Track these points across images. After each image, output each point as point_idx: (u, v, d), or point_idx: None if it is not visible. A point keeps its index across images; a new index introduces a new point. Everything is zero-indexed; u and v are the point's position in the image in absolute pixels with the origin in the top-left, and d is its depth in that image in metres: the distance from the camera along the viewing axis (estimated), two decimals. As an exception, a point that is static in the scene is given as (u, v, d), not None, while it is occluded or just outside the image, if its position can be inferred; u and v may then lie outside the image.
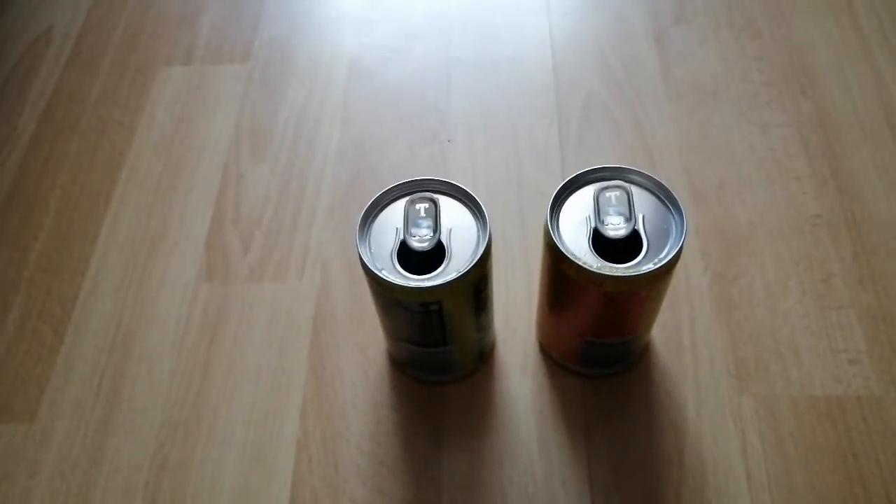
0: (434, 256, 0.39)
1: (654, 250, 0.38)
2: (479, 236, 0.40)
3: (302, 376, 0.50)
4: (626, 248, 0.38)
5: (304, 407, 0.48)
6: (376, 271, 0.38)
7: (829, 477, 0.44)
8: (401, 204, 0.41)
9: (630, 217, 0.39)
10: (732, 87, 0.62)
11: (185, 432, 0.48)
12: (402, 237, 0.39)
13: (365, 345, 0.51)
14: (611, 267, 0.37)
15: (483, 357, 0.49)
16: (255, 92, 0.66)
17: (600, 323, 0.42)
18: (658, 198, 0.40)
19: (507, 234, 0.55)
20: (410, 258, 0.39)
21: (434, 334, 0.42)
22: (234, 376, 0.50)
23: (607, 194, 0.39)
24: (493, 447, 0.46)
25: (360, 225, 0.40)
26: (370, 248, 0.39)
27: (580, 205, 0.40)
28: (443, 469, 0.46)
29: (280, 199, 0.58)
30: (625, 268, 0.37)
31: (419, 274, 0.38)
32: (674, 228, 0.39)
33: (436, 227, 0.39)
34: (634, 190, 0.40)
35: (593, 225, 0.39)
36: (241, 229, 0.57)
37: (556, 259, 0.39)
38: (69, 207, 0.59)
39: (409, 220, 0.40)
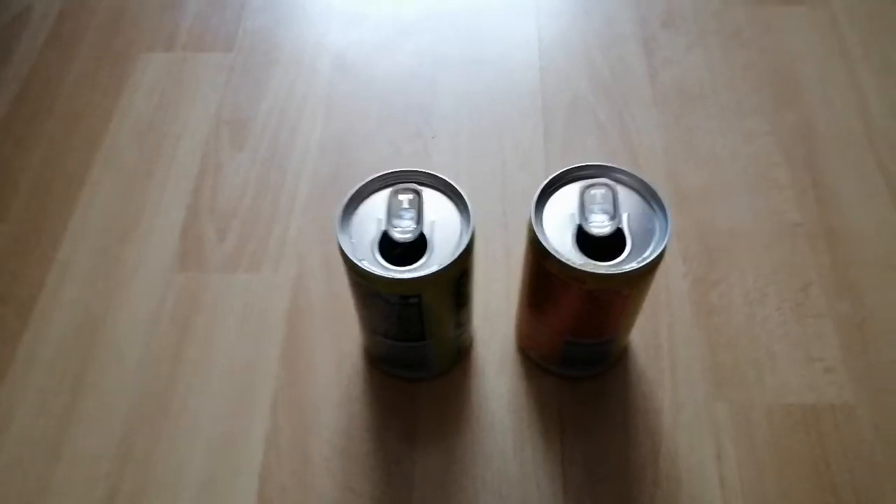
0: (415, 249, 0.38)
1: (638, 249, 0.38)
2: (462, 230, 0.39)
3: (274, 369, 0.49)
4: (609, 246, 0.38)
5: (275, 401, 0.47)
6: (356, 261, 0.37)
7: (801, 484, 0.44)
8: (383, 195, 0.40)
9: (614, 215, 0.38)
10: (718, 95, 0.62)
11: (151, 423, 0.47)
12: (383, 228, 0.39)
13: (339, 339, 0.50)
14: (594, 264, 0.37)
15: (460, 355, 0.48)
16: (236, 81, 0.65)
17: (581, 322, 0.42)
18: (643, 197, 0.40)
19: (488, 233, 0.55)
20: (391, 250, 0.39)
21: (412, 328, 0.41)
22: (205, 368, 0.49)
23: (592, 192, 0.39)
24: (467, 446, 0.46)
25: (341, 214, 0.39)
26: (351, 238, 0.39)
27: (565, 202, 0.40)
28: (415, 467, 0.45)
29: (258, 191, 0.57)
30: (608, 266, 0.37)
31: (400, 266, 0.38)
32: (658, 228, 0.38)
33: (418, 219, 0.39)
34: (619, 189, 0.40)
35: (577, 222, 0.38)
36: (218, 219, 0.56)
37: (538, 255, 0.38)
38: (41, 190, 0.58)
39: (391, 211, 0.39)
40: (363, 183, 0.40)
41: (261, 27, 0.69)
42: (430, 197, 0.40)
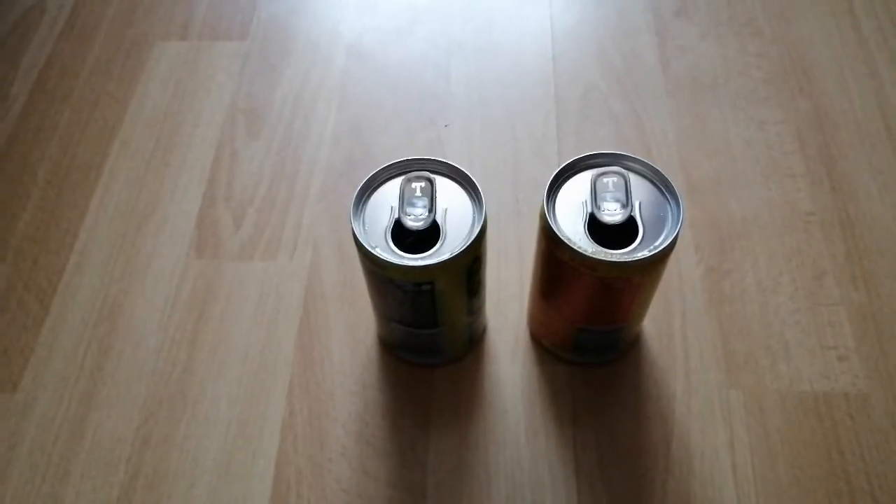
0: (428, 237, 0.39)
1: (650, 237, 0.38)
2: (474, 217, 0.39)
3: (290, 355, 0.49)
4: (621, 234, 0.38)
5: (292, 386, 0.48)
6: (370, 248, 0.38)
7: (813, 471, 0.44)
8: (396, 182, 0.40)
9: (627, 203, 0.38)
10: (731, 83, 0.62)
11: (169, 408, 0.47)
12: (396, 216, 0.39)
13: (354, 326, 0.50)
14: (606, 252, 0.37)
15: (473, 341, 0.49)
16: (251, 70, 0.65)
17: (593, 310, 0.42)
18: (655, 185, 0.40)
19: (501, 221, 0.55)
20: (405, 237, 0.39)
21: (425, 315, 0.42)
22: (221, 353, 0.49)
23: (604, 180, 0.39)
24: (481, 432, 0.46)
25: (354, 201, 0.39)
26: (364, 226, 0.39)
27: (577, 190, 0.40)
28: (429, 452, 0.45)
29: (274, 178, 0.58)
30: (620, 254, 0.37)
31: (413, 254, 0.38)
32: (670, 217, 0.39)
33: (431, 207, 0.39)
34: (632, 177, 0.40)
35: (589, 210, 0.38)
36: (233, 206, 0.56)
37: (551, 243, 0.39)
38: (58, 178, 0.58)
39: (404, 199, 0.39)
40: (376, 171, 0.40)
41: (275, 15, 0.69)
42: (443, 185, 0.40)
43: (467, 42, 0.66)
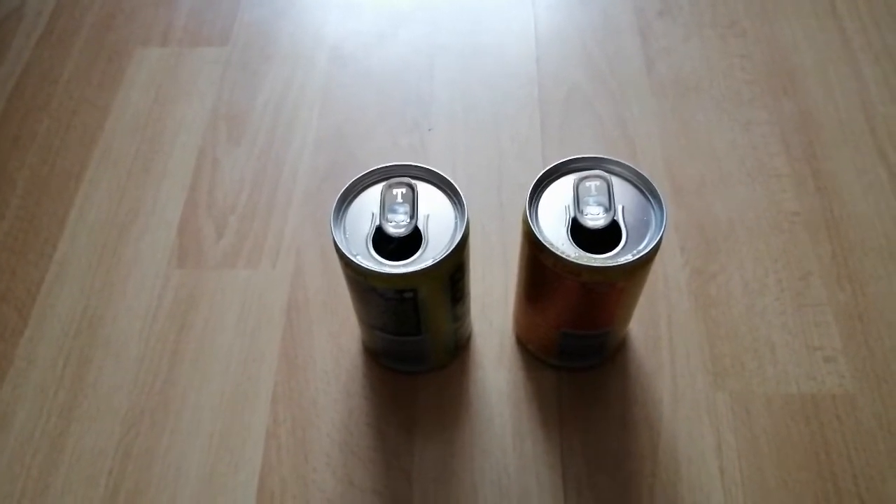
0: (410, 243, 0.38)
1: (633, 242, 0.38)
2: (456, 223, 0.39)
3: (273, 364, 0.49)
4: (604, 238, 0.38)
5: (275, 395, 0.47)
6: (351, 257, 0.37)
7: (801, 474, 0.44)
8: (377, 189, 0.40)
9: (610, 207, 0.38)
10: (715, 84, 0.62)
11: (151, 419, 0.47)
12: (377, 222, 0.38)
13: (338, 333, 0.50)
14: (589, 257, 0.37)
15: (458, 348, 0.48)
16: (233, 75, 0.64)
17: (577, 314, 0.42)
18: (638, 189, 0.39)
19: (485, 225, 0.55)
20: (386, 244, 0.39)
21: (408, 323, 0.41)
22: (204, 363, 0.49)
23: (587, 184, 0.39)
24: (466, 439, 0.46)
25: (335, 209, 0.39)
26: (345, 233, 0.39)
27: (560, 194, 0.39)
28: (414, 460, 0.45)
29: (255, 185, 0.57)
30: (603, 258, 0.37)
31: (395, 261, 0.38)
32: (653, 220, 0.38)
33: (413, 213, 0.38)
34: (615, 181, 0.39)
35: (572, 214, 0.38)
36: (215, 214, 0.56)
37: (534, 248, 0.38)
38: (37, 188, 0.58)
39: (385, 206, 0.39)
40: (357, 178, 0.40)
41: (257, 20, 0.69)
42: (425, 190, 0.40)
43: (451, 45, 0.66)
